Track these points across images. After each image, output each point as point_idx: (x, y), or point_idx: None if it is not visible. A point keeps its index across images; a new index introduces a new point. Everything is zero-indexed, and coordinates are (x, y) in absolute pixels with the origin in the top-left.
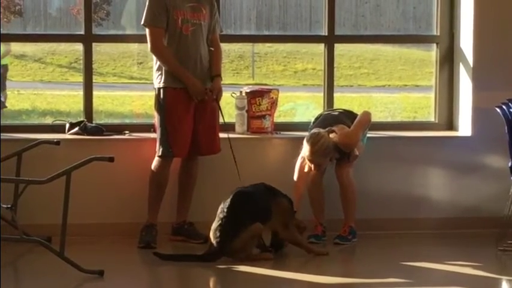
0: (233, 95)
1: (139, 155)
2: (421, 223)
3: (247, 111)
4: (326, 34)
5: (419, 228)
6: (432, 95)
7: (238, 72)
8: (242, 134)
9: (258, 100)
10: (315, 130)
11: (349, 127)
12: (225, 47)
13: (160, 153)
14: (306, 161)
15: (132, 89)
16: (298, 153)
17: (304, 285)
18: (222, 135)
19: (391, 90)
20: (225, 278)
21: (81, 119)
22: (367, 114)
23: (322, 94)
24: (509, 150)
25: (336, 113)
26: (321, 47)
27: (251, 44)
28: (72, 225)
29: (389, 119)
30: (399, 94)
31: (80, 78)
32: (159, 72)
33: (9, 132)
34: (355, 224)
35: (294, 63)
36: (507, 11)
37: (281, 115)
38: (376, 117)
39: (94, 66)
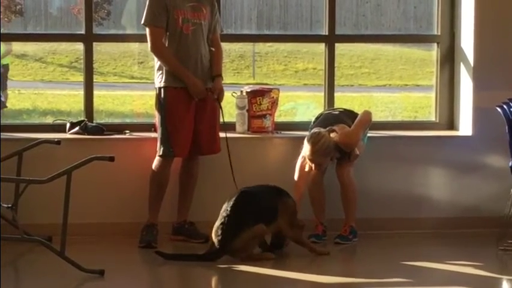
0: (234, 94)
1: (139, 155)
2: (421, 223)
3: (247, 110)
4: (327, 34)
5: (420, 227)
6: (433, 94)
7: (239, 71)
8: (243, 133)
9: (259, 100)
10: (315, 129)
11: (350, 127)
12: (225, 46)
13: (161, 153)
14: (307, 160)
15: (132, 88)
16: (298, 153)
17: (304, 285)
18: (222, 135)
19: (391, 89)
20: (226, 277)
21: (82, 118)
22: (367, 114)
23: (322, 94)
24: (510, 150)
25: (337, 113)
26: (321, 47)
27: (252, 43)
28: (73, 225)
29: (390, 119)
30: (400, 94)
31: (80, 77)
32: (160, 72)
33: (10, 132)
34: (356, 224)
35: (294, 63)
36: (508, 11)
37: (282, 115)
38: (376, 117)
39: (95, 65)
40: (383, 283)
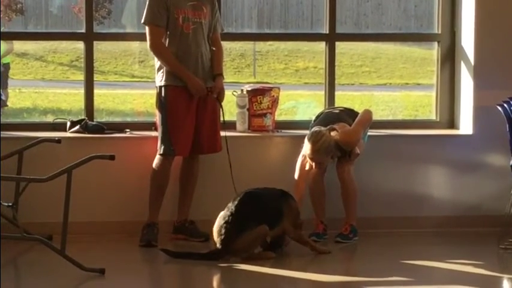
0: (234, 93)
1: (140, 153)
2: (422, 221)
3: (248, 109)
4: (327, 32)
5: (421, 226)
6: (433, 93)
7: (240, 70)
8: (243, 132)
9: (259, 98)
10: (316, 128)
11: (350, 125)
12: (226, 45)
13: (161, 152)
14: (307, 159)
15: (133, 87)
16: (299, 152)
17: (305, 284)
18: (222, 134)
19: (392, 88)
20: (227, 276)
21: (82, 117)
22: (368, 113)
23: (323, 92)
24: (511, 148)
25: (337, 111)
26: (322, 45)
27: (252, 42)
28: (73, 224)
29: (390, 117)
30: (400, 92)
31: (81, 76)
32: (161, 71)
33: (11, 131)
34: (356, 223)
35: (295, 62)
36: (508, 10)
37: (282, 113)
38: (377, 116)
39: (95, 64)
40: (384, 282)
